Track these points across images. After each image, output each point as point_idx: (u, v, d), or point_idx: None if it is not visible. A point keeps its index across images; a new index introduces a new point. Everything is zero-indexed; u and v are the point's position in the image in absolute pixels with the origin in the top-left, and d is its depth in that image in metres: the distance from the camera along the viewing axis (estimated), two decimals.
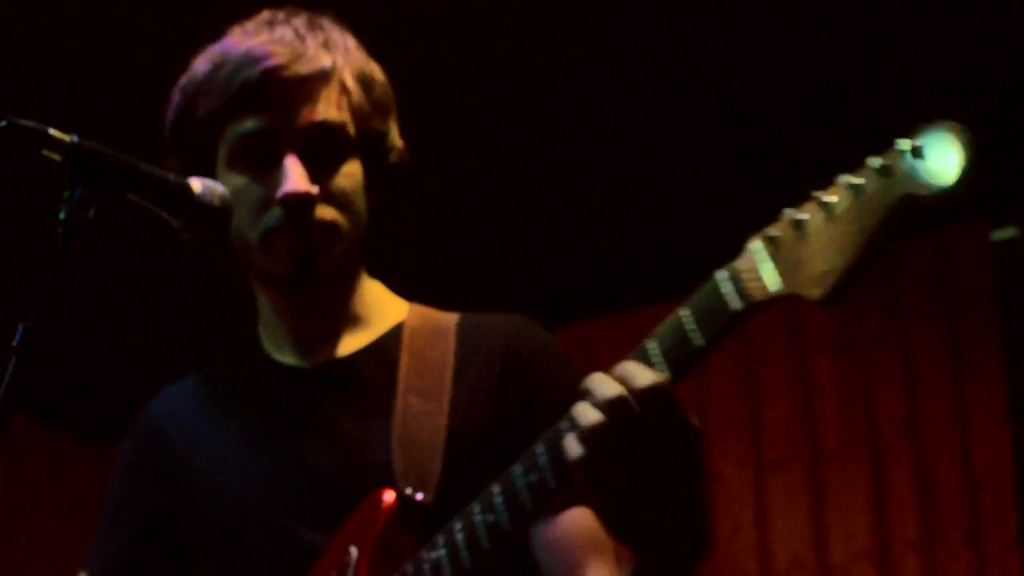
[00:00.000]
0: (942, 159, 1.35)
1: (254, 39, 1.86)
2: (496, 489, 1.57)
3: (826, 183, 1.41)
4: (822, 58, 4.33)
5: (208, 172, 1.83)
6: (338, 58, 1.88)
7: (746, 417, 5.39)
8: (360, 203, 1.89)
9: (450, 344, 1.94)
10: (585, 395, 1.43)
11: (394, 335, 1.96)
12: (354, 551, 1.74)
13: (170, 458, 2.00)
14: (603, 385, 1.42)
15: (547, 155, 4.80)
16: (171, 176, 1.67)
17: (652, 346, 1.45)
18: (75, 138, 1.58)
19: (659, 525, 1.47)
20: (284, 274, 1.87)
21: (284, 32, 1.86)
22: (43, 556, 6.71)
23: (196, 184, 1.68)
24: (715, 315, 1.42)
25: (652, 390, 1.40)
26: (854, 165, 1.41)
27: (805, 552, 5.13)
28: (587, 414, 1.41)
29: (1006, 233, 5.11)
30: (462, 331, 1.96)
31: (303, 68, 1.83)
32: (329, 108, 1.85)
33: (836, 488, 5.15)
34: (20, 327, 1.50)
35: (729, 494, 5.33)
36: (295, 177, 1.81)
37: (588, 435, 1.41)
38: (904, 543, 4.96)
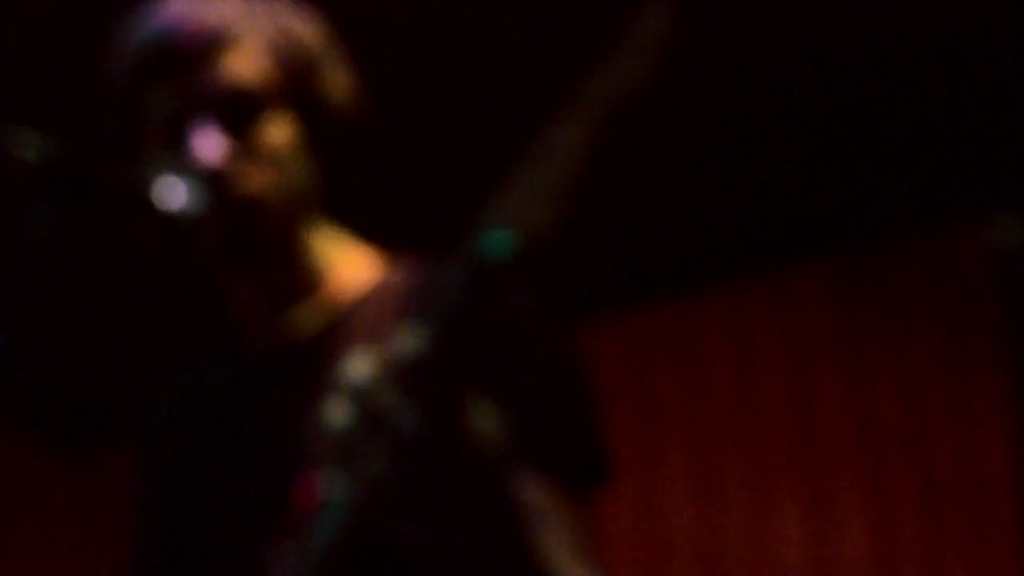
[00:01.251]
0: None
1: (160, 10, 1.80)
2: None
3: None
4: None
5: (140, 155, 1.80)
6: (243, 16, 1.80)
7: (744, 423, 5.37)
8: (291, 164, 1.80)
9: (397, 300, 1.82)
10: None
11: (348, 303, 1.87)
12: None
13: (164, 455, 1.96)
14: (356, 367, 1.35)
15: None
16: (135, 180, 1.65)
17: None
18: (39, 146, 1.56)
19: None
20: (215, 256, 1.79)
21: None
22: (23, 565, 6.70)
23: (160, 187, 1.66)
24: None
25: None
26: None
27: (806, 557, 5.12)
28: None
29: (1006, 236, 5.10)
30: (410, 282, 1.85)
31: (203, 33, 1.76)
32: (236, 70, 1.77)
33: (836, 493, 5.13)
34: None
35: (729, 501, 5.32)
36: (210, 143, 1.74)
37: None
38: (906, 547, 4.96)
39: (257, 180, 1.75)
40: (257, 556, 1.74)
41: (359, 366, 1.32)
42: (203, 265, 1.83)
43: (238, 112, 1.76)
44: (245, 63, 1.77)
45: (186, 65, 1.76)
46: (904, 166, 4.81)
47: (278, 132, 1.79)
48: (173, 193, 1.66)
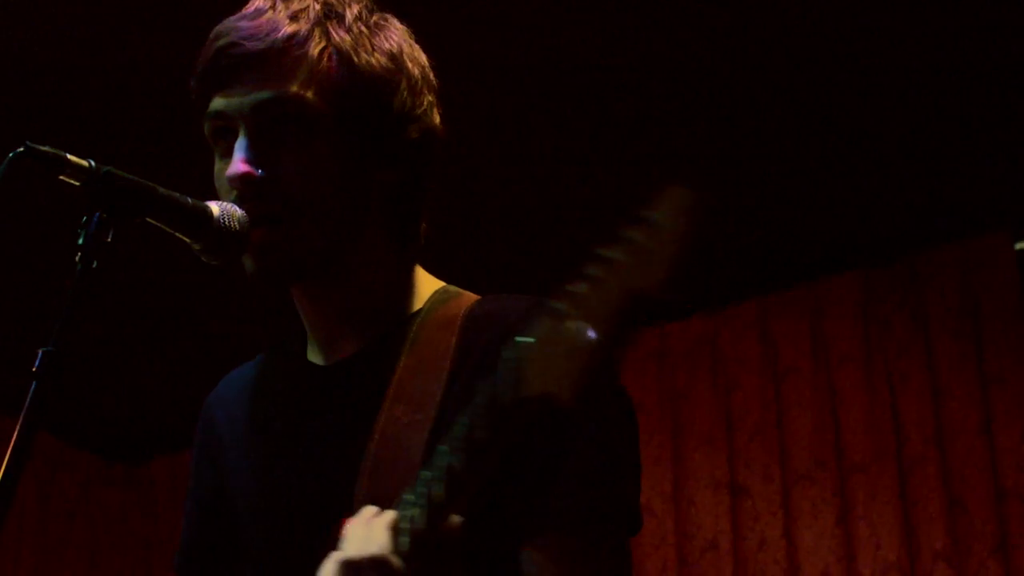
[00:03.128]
0: (661, 247, 1.19)
1: (228, 21, 1.78)
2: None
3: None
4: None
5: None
6: (304, 27, 1.74)
7: (772, 430, 5.38)
8: (327, 184, 1.73)
9: (452, 337, 1.73)
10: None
11: (402, 330, 1.79)
12: None
13: (220, 451, 1.94)
14: (346, 543, 1.47)
15: (570, 160, 4.80)
16: (189, 200, 1.64)
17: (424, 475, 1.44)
18: (92, 163, 1.57)
19: None
20: (248, 270, 1.74)
21: (259, 4, 1.77)
22: (73, 570, 6.79)
23: (215, 207, 1.66)
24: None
25: (371, 562, 1.43)
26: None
27: (833, 565, 5.12)
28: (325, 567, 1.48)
29: None
30: (468, 319, 1.75)
31: (259, 43, 1.72)
32: (285, 82, 1.72)
33: (863, 500, 5.14)
34: (40, 352, 1.50)
35: (756, 507, 5.33)
36: (236, 160, 1.71)
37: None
38: (932, 554, 4.95)
39: (284, 196, 1.70)
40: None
41: (361, 536, 1.45)
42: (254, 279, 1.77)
43: (280, 126, 1.71)
44: (297, 76, 1.72)
45: (235, 77, 1.73)
46: (930, 179, 4.80)
47: (315, 150, 1.73)
48: (219, 208, 1.65)
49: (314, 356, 1.87)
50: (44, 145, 1.55)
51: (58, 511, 6.74)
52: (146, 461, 7.04)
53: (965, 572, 4.89)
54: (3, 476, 1.44)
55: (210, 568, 2.00)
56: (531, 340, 1.26)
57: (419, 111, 1.80)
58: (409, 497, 1.46)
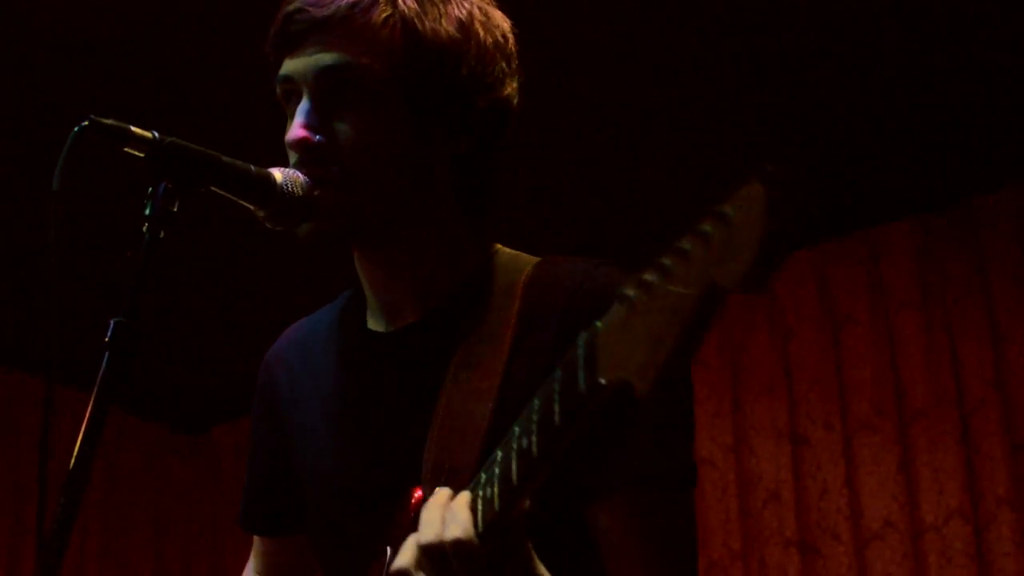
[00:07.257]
0: (740, 244, 1.16)
1: None
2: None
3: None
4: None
5: None
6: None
7: (832, 378, 5.37)
8: (385, 152, 1.73)
9: (514, 304, 1.74)
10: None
11: (464, 295, 1.79)
12: (389, 552, 1.65)
13: (281, 410, 1.97)
14: (424, 527, 1.47)
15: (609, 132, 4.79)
16: (253, 168, 1.66)
17: (482, 478, 1.46)
18: (156, 134, 1.58)
19: None
20: (301, 232, 1.74)
21: None
22: (139, 540, 6.88)
23: (278, 174, 1.67)
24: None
25: (453, 545, 1.43)
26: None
27: (896, 512, 5.11)
28: (405, 550, 1.48)
29: None
30: (530, 284, 1.75)
31: (323, 10, 1.73)
32: (348, 49, 1.72)
33: (925, 446, 5.12)
34: (111, 323, 1.51)
35: (817, 456, 5.33)
36: (295, 124, 1.73)
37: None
38: (996, 499, 4.93)
39: (340, 162, 1.71)
40: (357, 542, 1.78)
41: (425, 527, 1.46)
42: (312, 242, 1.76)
43: (342, 93, 1.72)
44: (362, 44, 1.73)
45: (300, 42, 1.75)
46: (986, 121, 4.76)
47: (374, 118, 1.73)
48: (282, 174, 1.66)
49: (374, 322, 1.88)
50: (108, 118, 1.57)
51: (123, 481, 6.83)
52: (209, 429, 7.12)
53: None
54: (80, 446, 1.46)
55: (272, 521, 2.05)
56: (604, 326, 1.26)
57: (489, 80, 1.79)
58: (482, 476, 1.46)
